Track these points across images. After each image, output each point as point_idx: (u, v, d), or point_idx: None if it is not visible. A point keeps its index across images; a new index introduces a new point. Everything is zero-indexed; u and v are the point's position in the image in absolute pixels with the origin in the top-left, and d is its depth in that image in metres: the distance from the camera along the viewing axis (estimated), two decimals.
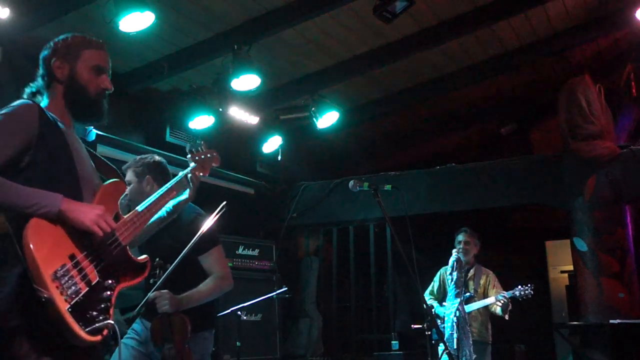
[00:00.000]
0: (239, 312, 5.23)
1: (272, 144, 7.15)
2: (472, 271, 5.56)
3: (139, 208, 2.34)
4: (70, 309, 1.86)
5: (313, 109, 6.53)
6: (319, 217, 7.92)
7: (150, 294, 2.93)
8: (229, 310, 5.33)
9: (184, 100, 6.06)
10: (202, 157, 2.70)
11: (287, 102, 6.84)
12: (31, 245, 1.84)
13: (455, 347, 4.63)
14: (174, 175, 2.63)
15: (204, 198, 3.12)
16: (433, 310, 5.43)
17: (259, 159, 7.73)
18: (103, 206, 2.10)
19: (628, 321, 5.85)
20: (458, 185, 7.33)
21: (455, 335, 4.64)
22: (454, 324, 4.69)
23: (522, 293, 5.28)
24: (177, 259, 2.81)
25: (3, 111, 2.04)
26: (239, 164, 7.40)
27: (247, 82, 5.53)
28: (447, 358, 4.62)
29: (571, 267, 7.10)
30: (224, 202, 2.98)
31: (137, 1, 4.39)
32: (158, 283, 2.88)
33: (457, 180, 7.36)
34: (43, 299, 1.81)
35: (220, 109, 6.04)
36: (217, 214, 2.98)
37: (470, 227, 5.69)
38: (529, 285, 5.31)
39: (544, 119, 8.44)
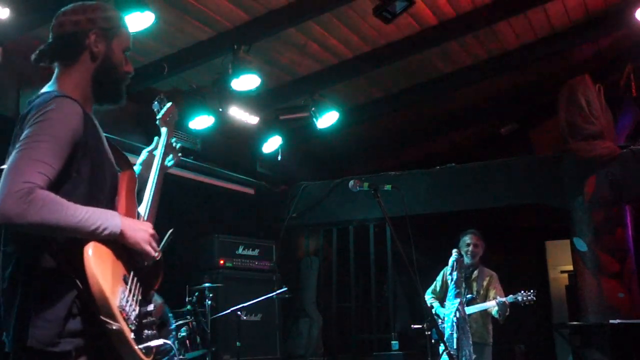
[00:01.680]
0: (239, 312, 5.23)
1: (272, 144, 7.15)
2: (475, 272, 5.54)
3: (147, 206, 2.25)
4: (134, 336, 1.80)
5: (313, 109, 6.53)
6: (319, 217, 7.93)
7: None
8: (229, 310, 5.33)
9: (184, 100, 6.06)
10: (169, 117, 2.60)
11: (287, 102, 6.84)
12: (97, 276, 1.73)
13: (455, 347, 4.62)
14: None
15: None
16: (433, 310, 5.43)
17: (259, 159, 7.73)
18: (150, 224, 2.00)
19: (628, 321, 5.85)
20: (458, 185, 7.33)
21: (455, 336, 4.64)
22: (454, 324, 4.69)
23: (525, 298, 5.26)
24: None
25: (49, 114, 1.81)
26: (239, 164, 7.40)
27: (247, 82, 5.53)
28: (447, 358, 4.63)
29: (571, 267, 7.10)
30: (172, 230, 2.84)
31: (137, 1, 4.39)
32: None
33: (457, 180, 7.36)
34: (113, 330, 1.74)
35: (220, 109, 6.05)
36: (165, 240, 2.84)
37: (470, 227, 5.68)
38: (531, 290, 5.29)
39: (544, 119, 8.44)
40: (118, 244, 1.88)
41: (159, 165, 2.42)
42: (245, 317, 5.69)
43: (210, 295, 5.60)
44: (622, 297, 6.18)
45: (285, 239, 7.86)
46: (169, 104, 2.63)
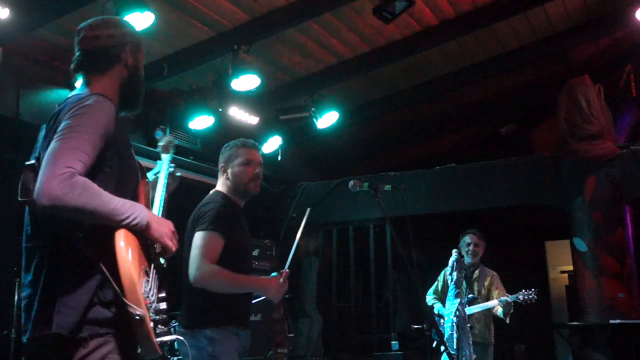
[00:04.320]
0: None
1: (272, 144, 7.14)
2: (476, 272, 5.53)
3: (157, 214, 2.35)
4: (153, 326, 1.86)
5: (313, 109, 6.53)
6: (319, 217, 7.92)
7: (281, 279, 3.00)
8: None
9: (184, 100, 6.05)
10: (170, 147, 2.78)
11: (287, 102, 6.84)
12: (128, 262, 1.82)
13: (455, 347, 4.62)
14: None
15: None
16: (435, 310, 5.43)
17: None
18: (171, 223, 2.09)
19: (628, 321, 5.85)
20: (458, 185, 7.33)
21: (455, 336, 4.63)
22: (454, 324, 4.69)
23: (526, 297, 5.26)
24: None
25: (86, 108, 1.91)
26: None
27: (247, 82, 5.52)
28: (447, 358, 4.62)
29: (571, 267, 7.10)
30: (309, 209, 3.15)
31: (137, 1, 4.39)
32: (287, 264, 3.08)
33: (457, 180, 7.36)
34: (137, 317, 1.80)
35: (220, 109, 6.04)
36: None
37: (470, 227, 5.68)
38: (532, 289, 5.29)
39: (544, 119, 8.44)
40: (141, 237, 1.95)
41: (164, 189, 2.53)
42: None
43: None
44: (622, 297, 6.18)
45: (285, 239, 7.85)
46: (169, 137, 2.81)
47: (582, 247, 6.46)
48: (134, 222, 1.89)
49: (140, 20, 4.49)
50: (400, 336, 7.19)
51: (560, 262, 9.06)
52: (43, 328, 1.84)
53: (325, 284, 8.18)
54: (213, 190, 3.18)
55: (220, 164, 3.20)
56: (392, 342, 7.03)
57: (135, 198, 2.07)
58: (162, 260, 2.24)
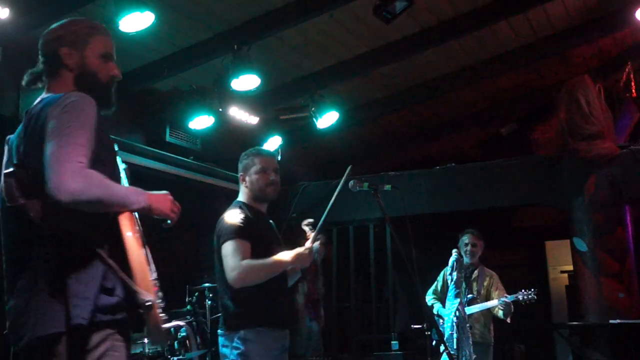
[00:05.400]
0: None
1: (272, 144, 7.14)
2: (475, 272, 5.53)
3: None
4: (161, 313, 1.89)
5: (313, 109, 6.53)
6: (319, 217, 7.90)
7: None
8: None
9: (184, 100, 6.05)
10: None
11: (287, 102, 6.84)
12: (136, 249, 1.84)
13: (455, 347, 4.62)
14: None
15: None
16: (435, 310, 5.43)
17: None
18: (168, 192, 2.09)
19: (628, 321, 5.84)
20: (458, 185, 7.33)
21: (455, 336, 4.63)
22: (454, 324, 4.69)
23: (525, 297, 5.26)
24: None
25: (74, 105, 1.89)
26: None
27: (247, 82, 5.52)
28: (447, 358, 4.63)
29: (571, 267, 7.11)
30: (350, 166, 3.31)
31: (137, 1, 4.39)
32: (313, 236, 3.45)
33: (457, 180, 7.36)
34: (147, 303, 1.82)
35: (220, 109, 6.04)
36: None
37: (471, 227, 5.68)
38: (532, 289, 5.29)
39: (544, 119, 8.44)
40: (134, 221, 1.95)
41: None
42: None
43: (210, 295, 5.59)
44: (622, 297, 6.18)
45: (285, 239, 7.83)
46: None
47: (582, 247, 6.46)
48: (141, 206, 1.92)
49: (140, 20, 4.50)
50: (400, 336, 7.18)
51: (560, 262, 9.06)
52: (56, 326, 1.81)
53: (325, 284, 8.17)
54: (235, 201, 3.40)
55: (240, 173, 3.42)
56: (392, 342, 7.03)
57: None
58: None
